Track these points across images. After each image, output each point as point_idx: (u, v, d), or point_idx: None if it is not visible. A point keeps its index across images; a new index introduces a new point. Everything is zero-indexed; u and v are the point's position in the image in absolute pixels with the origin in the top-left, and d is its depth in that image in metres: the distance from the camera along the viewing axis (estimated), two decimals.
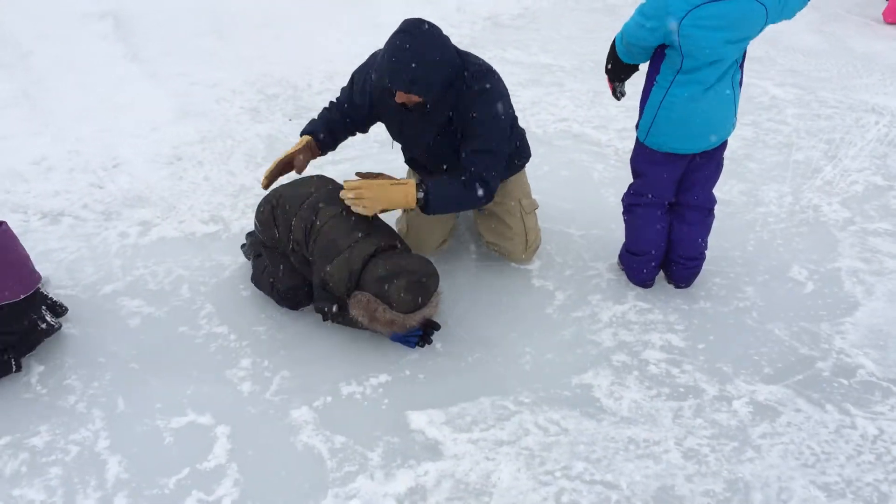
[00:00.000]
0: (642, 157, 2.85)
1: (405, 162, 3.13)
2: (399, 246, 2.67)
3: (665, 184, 2.86)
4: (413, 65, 2.49)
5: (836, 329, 2.79)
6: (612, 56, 2.79)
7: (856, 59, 5.85)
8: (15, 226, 3.34)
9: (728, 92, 2.62)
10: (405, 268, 2.51)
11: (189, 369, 2.59)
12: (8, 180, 3.68)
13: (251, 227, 3.39)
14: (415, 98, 2.59)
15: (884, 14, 6.86)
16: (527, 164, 3.15)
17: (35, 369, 2.56)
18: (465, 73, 2.66)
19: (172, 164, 3.88)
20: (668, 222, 2.94)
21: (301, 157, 2.79)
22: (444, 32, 2.62)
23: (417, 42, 2.51)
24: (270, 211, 2.81)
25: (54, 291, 2.93)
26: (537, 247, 3.18)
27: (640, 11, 2.54)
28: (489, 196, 2.71)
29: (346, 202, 2.61)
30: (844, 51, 6.06)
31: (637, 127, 2.82)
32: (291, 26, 5.67)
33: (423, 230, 3.10)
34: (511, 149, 2.90)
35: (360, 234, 2.59)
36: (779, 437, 2.35)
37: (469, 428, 2.37)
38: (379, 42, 5.47)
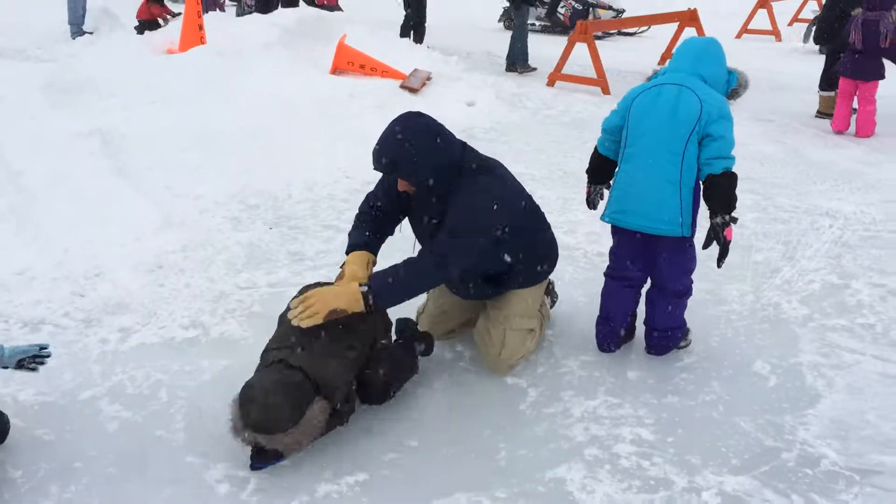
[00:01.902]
0: (612, 234, 3.30)
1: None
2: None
3: (623, 259, 3.26)
4: (397, 149, 2.69)
5: (800, 421, 2.88)
6: (592, 159, 3.38)
7: (810, 167, 6.19)
8: None
9: (671, 184, 2.98)
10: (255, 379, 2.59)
11: (165, 472, 2.60)
12: None
13: (230, 332, 3.48)
14: (405, 185, 2.79)
15: (832, 124, 7.30)
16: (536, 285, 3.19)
17: (11, 475, 2.56)
18: (464, 167, 2.81)
19: (154, 271, 3.99)
20: (630, 296, 3.30)
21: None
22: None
23: (407, 129, 2.73)
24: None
25: (34, 398, 2.96)
26: (511, 365, 3.14)
27: (614, 109, 3.22)
28: (444, 274, 2.80)
29: (293, 321, 2.64)
30: (799, 159, 6.43)
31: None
32: (274, 139, 5.92)
33: (433, 317, 3.30)
34: (487, 245, 2.86)
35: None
36: None
37: None
38: (356, 154, 5.72)
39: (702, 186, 3.05)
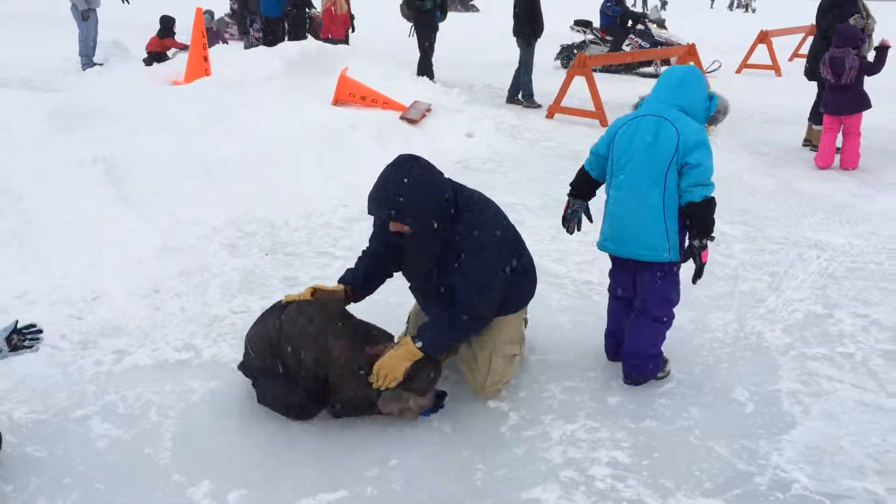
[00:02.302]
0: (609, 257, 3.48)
1: (409, 288, 3.32)
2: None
3: (617, 281, 3.47)
4: (393, 195, 2.78)
5: (774, 446, 2.93)
6: (577, 175, 3.56)
7: (802, 200, 6.26)
8: None
9: (655, 211, 3.11)
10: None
11: (152, 489, 2.67)
12: None
13: (222, 354, 3.56)
14: (401, 227, 2.87)
15: (815, 159, 7.42)
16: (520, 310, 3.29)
17: (2, 489, 2.63)
18: (457, 206, 2.91)
19: (150, 296, 4.08)
20: (628, 313, 3.41)
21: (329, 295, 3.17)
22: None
23: (401, 174, 2.81)
24: (268, 346, 3.01)
25: (27, 416, 3.04)
26: (497, 391, 3.20)
27: (602, 136, 3.42)
28: (482, 321, 2.98)
29: (382, 389, 2.86)
30: (791, 192, 6.50)
31: None
32: (274, 169, 6.03)
33: None
34: (506, 278, 3.02)
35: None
36: None
37: None
38: (355, 183, 5.83)
39: (683, 211, 3.16)
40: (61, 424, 3.02)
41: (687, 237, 3.15)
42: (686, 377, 3.43)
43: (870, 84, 7.07)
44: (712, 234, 3.11)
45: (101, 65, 11.13)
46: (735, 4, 52.67)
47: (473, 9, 39.58)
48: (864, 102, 6.97)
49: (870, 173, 7.11)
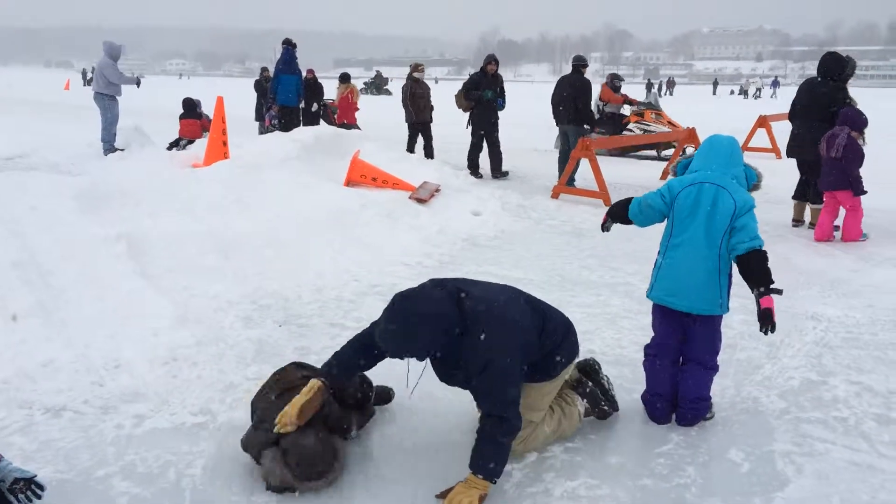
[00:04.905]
0: (652, 313, 3.80)
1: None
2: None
3: (665, 336, 3.73)
4: (396, 339, 2.96)
5: (767, 502, 3.03)
6: (622, 207, 3.85)
7: (800, 275, 6.44)
8: (19, 420, 3.67)
9: (712, 272, 3.50)
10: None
11: None
12: (17, 380, 4.01)
13: (237, 419, 3.70)
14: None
15: (814, 234, 7.72)
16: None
17: None
18: (465, 323, 3.01)
19: (168, 364, 4.26)
20: (669, 370, 3.71)
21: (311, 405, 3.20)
22: (434, 293, 3.01)
23: (397, 320, 2.94)
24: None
25: (52, 475, 3.18)
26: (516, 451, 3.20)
27: (659, 191, 3.69)
28: (516, 423, 3.01)
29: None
30: (789, 267, 6.68)
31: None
32: (288, 246, 6.30)
33: None
34: (518, 378, 3.08)
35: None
36: None
37: None
38: (364, 259, 6.05)
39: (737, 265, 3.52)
40: (84, 483, 3.16)
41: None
42: (683, 438, 3.55)
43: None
44: (772, 286, 3.37)
45: (122, 150, 11.57)
46: (739, 91, 54.87)
47: (387, 92, 41.28)
48: (851, 182, 7.24)
49: (866, 249, 7.30)
